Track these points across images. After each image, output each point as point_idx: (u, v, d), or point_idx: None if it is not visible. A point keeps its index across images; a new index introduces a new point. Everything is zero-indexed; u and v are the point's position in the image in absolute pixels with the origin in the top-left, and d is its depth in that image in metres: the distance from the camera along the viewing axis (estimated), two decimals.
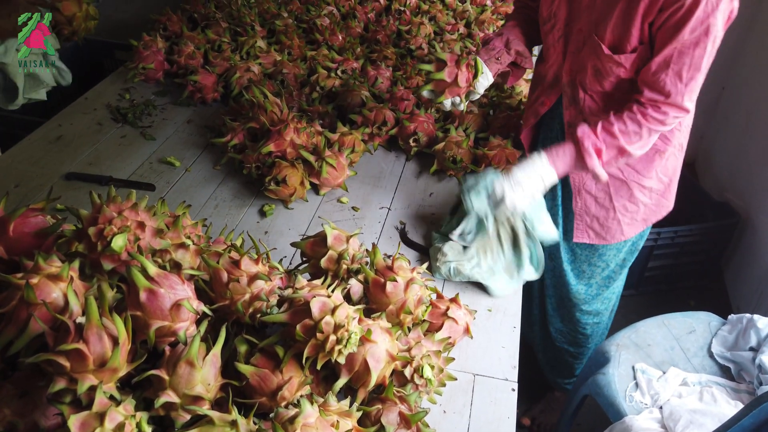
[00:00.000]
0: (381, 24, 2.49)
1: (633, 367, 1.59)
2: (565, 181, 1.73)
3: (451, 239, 1.47)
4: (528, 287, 2.04)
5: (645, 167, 1.62)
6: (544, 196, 1.76)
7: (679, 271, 2.66)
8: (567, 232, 1.80)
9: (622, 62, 1.40)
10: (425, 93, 1.53)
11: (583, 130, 1.41)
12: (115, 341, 0.89)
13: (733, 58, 3.02)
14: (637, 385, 1.57)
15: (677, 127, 1.55)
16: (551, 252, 1.87)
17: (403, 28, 2.43)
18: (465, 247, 1.47)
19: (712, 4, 1.24)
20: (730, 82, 3.07)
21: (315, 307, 1.00)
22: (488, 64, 1.54)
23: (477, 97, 1.56)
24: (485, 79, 1.53)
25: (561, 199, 1.76)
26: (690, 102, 1.39)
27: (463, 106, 1.55)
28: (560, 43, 1.52)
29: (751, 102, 2.79)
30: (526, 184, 1.40)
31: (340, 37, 2.37)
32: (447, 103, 1.54)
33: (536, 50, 1.72)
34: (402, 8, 2.60)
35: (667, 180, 1.65)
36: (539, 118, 1.67)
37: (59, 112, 2.00)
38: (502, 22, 2.55)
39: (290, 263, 1.46)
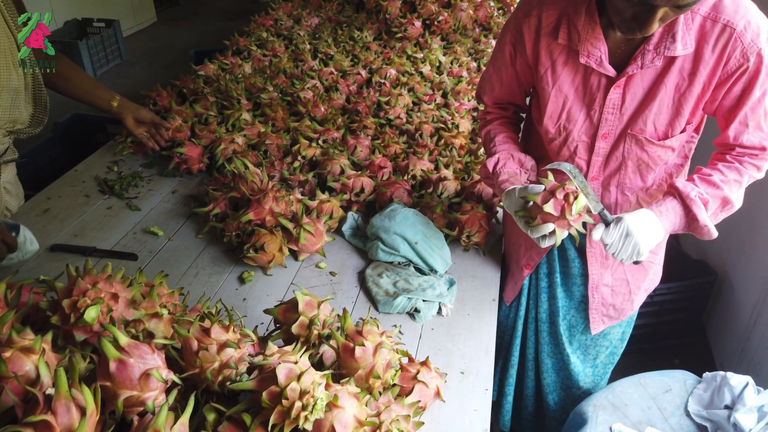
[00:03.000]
0: (362, 95, 2.61)
1: (611, 428, 1.60)
2: (566, 285, 1.78)
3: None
4: (519, 388, 2.05)
5: (659, 244, 1.66)
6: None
7: (662, 329, 2.68)
8: (573, 327, 1.84)
9: (672, 145, 1.40)
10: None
11: (683, 183, 1.36)
12: (83, 412, 0.91)
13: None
14: None
15: None
16: (552, 350, 1.91)
17: (383, 99, 2.56)
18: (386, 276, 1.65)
19: (766, 50, 1.25)
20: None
21: (281, 373, 1.02)
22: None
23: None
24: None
25: (562, 300, 1.81)
26: None
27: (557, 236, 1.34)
28: (579, 153, 1.49)
29: None
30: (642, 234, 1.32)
31: (323, 109, 2.48)
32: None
33: None
34: (382, 80, 2.74)
35: (662, 250, 1.72)
36: None
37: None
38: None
39: (267, 330, 1.49)
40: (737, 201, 1.39)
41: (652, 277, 1.76)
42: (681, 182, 1.37)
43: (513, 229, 1.76)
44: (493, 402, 2.06)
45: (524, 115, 1.73)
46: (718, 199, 1.36)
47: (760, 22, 1.25)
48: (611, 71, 1.36)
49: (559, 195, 1.29)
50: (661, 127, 1.38)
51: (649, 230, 1.33)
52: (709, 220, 1.36)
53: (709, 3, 1.26)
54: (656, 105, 1.35)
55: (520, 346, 1.95)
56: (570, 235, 1.34)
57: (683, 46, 1.27)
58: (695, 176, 1.39)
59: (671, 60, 1.31)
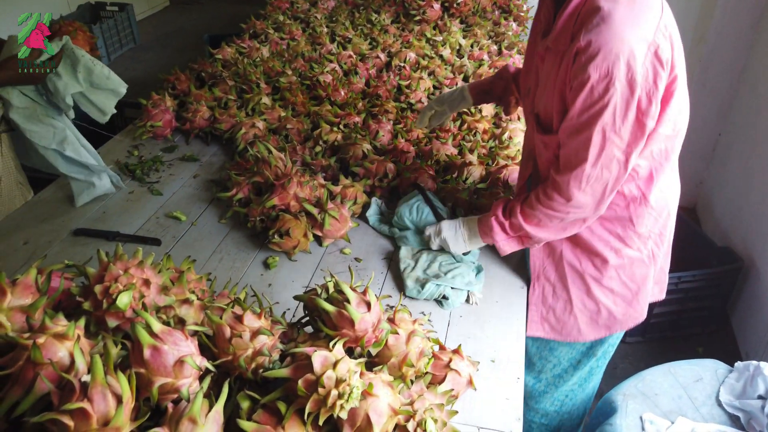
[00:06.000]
0: (382, 79, 2.57)
1: (641, 418, 1.57)
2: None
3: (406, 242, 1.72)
4: None
5: (602, 264, 1.50)
6: None
7: (686, 317, 2.64)
8: None
9: (549, 143, 1.32)
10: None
11: (501, 208, 1.48)
12: (119, 400, 0.89)
13: (727, 104, 3.09)
14: None
15: (645, 233, 1.45)
16: None
17: (404, 83, 2.51)
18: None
19: (604, 83, 1.08)
20: (725, 129, 3.13)
21: (316, 361, 1.00)
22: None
23: None
24: None
25: None
26: (584, 196, 1.27)
27: None
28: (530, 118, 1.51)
29: (748, 148, 2.84)
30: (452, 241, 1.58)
31: (343, 93, 2.44)
32: None
33: None
34: (402, 64, 2.69)
35: (634, 287, 1.53)
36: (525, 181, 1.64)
37: None
38: None
39: (293, 316, 1.47)
40: (539, 233, 1.44)
41: (612, 310, 1.55)
42: (500, 207, 1.49)
43: None
44: None
45: None
46: (516, 227, 1.47)
47: (607, 50, 1.09)
48: (540, 42, 1.33)
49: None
50: (546, 118, 1.30)
51: (464, 232, 1.58)
52: (504, 241, 1.51)
53: (594, 17, 1.13)
54: (548, 93, 1.28)
55: None
56: None
57: (559, 37, 1.22)
58: (519, 207, 1.44)
59: (556, 51, 1.25)
